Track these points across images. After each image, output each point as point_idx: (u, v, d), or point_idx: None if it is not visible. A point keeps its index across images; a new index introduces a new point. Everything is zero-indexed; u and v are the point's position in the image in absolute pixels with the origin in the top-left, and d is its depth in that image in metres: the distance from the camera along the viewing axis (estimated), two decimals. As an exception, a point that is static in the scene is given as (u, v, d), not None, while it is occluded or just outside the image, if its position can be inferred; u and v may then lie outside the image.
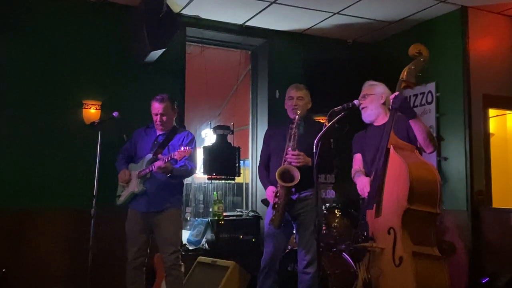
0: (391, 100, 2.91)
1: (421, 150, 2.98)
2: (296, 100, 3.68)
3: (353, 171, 3.31)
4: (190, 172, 3.74)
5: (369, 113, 3.22)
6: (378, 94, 3.26)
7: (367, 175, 3.14)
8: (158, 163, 3.47)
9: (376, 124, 3.27)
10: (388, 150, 2.84)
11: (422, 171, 2.73)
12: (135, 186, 3.68)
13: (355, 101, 3.26)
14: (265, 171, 3.81)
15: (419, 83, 2.98)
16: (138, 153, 3.82)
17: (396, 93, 2.88)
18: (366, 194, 2.96)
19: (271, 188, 3.59)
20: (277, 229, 3.54)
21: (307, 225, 3.53)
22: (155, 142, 3.78)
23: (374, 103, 3.22)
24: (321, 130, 3.46)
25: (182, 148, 3.39)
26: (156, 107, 3.76)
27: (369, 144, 3.22)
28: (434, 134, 4.99)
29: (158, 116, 3.75)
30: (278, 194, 3.50)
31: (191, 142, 3.75)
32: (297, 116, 3.59)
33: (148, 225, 3.70)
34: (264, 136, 3.96)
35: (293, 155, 3.48)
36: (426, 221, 2.74)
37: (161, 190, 3.67)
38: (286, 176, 3.46)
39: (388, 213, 2.78)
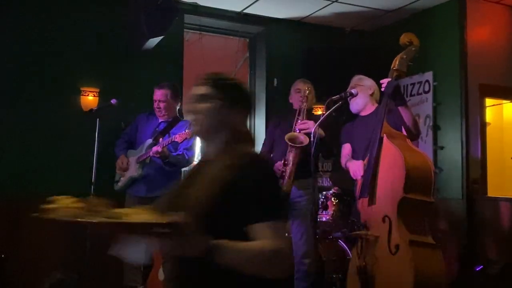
0: (383, 85, 2.92)
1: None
2: (304, 92, 3.69)
3: (343, 159, 3.37)
4: (188, 161, 3.74)
5: (357, 102, 3.29)
6: (366, 86, 3.33)
7: None
8: (155, 148, 3.50)
9: (363, 114, 3.33)
10: (381, 139, 2.84)
11: (416, 160, 2.75)
12: (134, 171, 3.70)
13: (353, 90, 3.29)
14: (268, 155, 3.84)
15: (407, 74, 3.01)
16: (139, 138, 3.83)
17: (388, 79, 2.90)
18: (359, 176, 2.98)
19: (279, 163, 3.59)
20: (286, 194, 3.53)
21: (305, 214, 3.54)
22: (156, 129, 3.79)
23: (362, 93, 3.29)
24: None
25: (184, 131, 3.40)
26: (156, 93, 3.82)
27: (357, 134, 3.27)
28: (431, 123, 5.01)
29: (157, 102, 3.79)
30: (286, 162, 3.51)
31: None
32: (305, 99, 3.66)
33: None
34: (269, 126, 4.00)
35: (301, 123, 3.54)
36: (421, 210, 2.76)
37: (160, 175, 3.68)
38: (294, 142, 3.52)
39: (383, 202, 2.80)
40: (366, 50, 5.68)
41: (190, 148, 3.72)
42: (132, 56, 4.80)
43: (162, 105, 3.77)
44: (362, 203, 2.95)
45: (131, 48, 4.75)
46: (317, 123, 3.08)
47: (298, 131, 3.56)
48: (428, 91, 5.10)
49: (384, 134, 2.85)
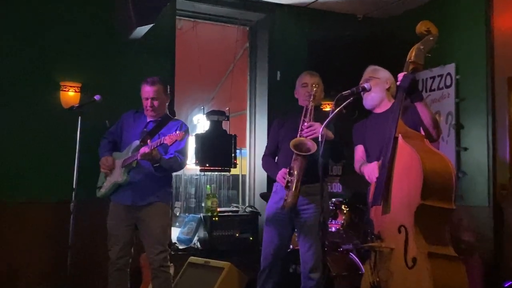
0: (399, 79, 2.93)
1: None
2: (311, 87, 3.70)
3: (356, 163, 3.34)
4: (180, 165, 3.73)
5: (372, 97, 3.26)
6: (382, 79, 3.31)
7: None
8: (143, 149, 3.45)
9: (377, 111, 3.31)
10: (396, 139, 2.85)
11: (435, 162, 2.75)
12: (118, 176, 3.69)
13: (366, 84, 3.29)
14: (273, 160, 3.86)
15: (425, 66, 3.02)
16: (124, 140, 3.82)
17: (404, 72, 2.91)
18: (375, 179, 2.98)
19: (283, 170, 3.59)
20: (289, 211, 3.55)
21: (313, 223, 3.56)
22: (144, 129, 3.77)
23: (378, 87, 3.27)
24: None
25: (174, 132, 3.38)
26: (147, 90, 3.75)
27: (371, 134, 3.25)
28: (453, 122, 5.02)
29: (149, 100, 3.75)
30: (292, 171, 3.50)
31: (185, 133, 3.76)
32: (311, 98, 3.63)
33: (132, 221, 3.72)
34: (273, 126, 3.99)
35: (307, 128, 3.53)
36: (441, 218, 2.76)
37: (148, 181, 3.68)
38: (301, 148, 3.50)
39: (398, 210, 2.80)
40: (380, 39, 5.69)
41: (183, 151, 3.71)
42: (118, 47, 4.82)
43: (156, 103, 3.74)
44: (375, 212, 2.96)
45: (117, 37, 4.77)
46: (323, 124, 3.07)
47: (305, 135, 3.55)
48: (450, 86, 5.11)
49: (399, 134, 2.86)
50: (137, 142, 3.68)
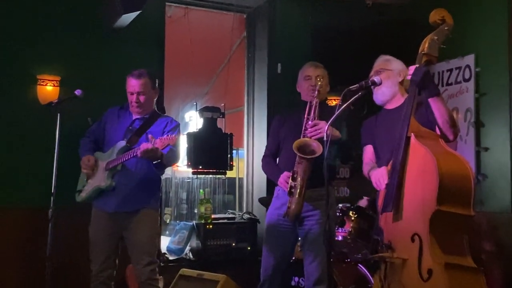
0: (410, 72, 2.93)
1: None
2: (315, 80, 3.70)
3: (365, 166, 3.33)
4: (177, 157, 3.78)
5: (383, 91, 3.25)
6: (395, 71, 3.30)
7: None
8: (145, 145, 3.40)
9: (389, 107, 3.31)
10: (408, 139, 2.85)
11: (452, 164, 2.75)
12: (101, 180, 3.69)
13: (376, 77, 3.29)
14: (274, 161, 3.86)
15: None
16: (108, 139, 3.82)
17: (416, 65, 2.91)
18: (384, 186, 2.98)
19: (286, 174, 3.59)
20: (293, 220, 3.55)
21: (318, 232, 3.56)
22: (130, 128, 3.77)
23: (390, 80, 3.26)
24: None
25: (165, 135, 3.37)
26: (133, 84, 3.75)
27: (381, 133, 3.25)
28: (473, 119, 5.02)
29: (134, 95, 3.75)
30: (295, 175, 3.50)
31: (174, 129, 3.76)
32: (316, 93, 3.62)
33: (117, 229, 3.72)
34: (273, 124, 3.99)
35: (311, 127, 3.52)
36: (458, 226, 2.76)
37: (135, 186, 3.68)
38: (305, 150, 3.49)
39: (411, 217, 2.81)
40: (391, 28, 5.70)
41: (177, 146, 3.69)
42: (101, 37, 4.82)
43: (142, 98, 3.74)
44: (385, 219, 2.96)
45: (100, 26, 4.77)
46: (329, 122, 3.06)
47: (309, 135, 3.54)
48: (469, 79, 5.11)
49: (412, 133, 2.86)
50: (122, 143, 3.67)
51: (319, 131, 3.47)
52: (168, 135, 3.37)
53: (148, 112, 3.82)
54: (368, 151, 3.37)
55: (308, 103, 3.64)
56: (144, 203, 3.71)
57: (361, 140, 3.48)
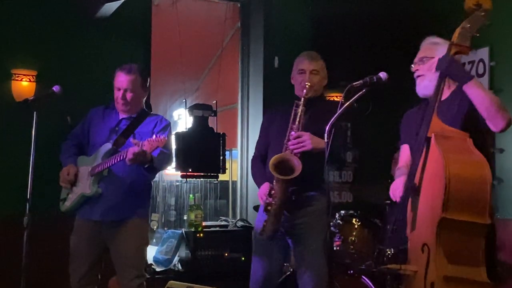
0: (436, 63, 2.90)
1: (485, 136, 2.94)
2: (310, 74, 3.68)
3: (396, 171, 3.25)
4: (170, 160, 3.76)
5: (426, 85, 3.09)
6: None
7: None
8: (132, 149, 3.37)
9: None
10: (429, 139, 2.84)
11: (466, 167, 2.72)
12: (86, 187, 3.66)
13: (382, 74, 3.28)
14: (261, 164, 3.83)
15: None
16: (92, 142, 3.79)
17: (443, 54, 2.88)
18: (398, 198, 2.99)
19: (266, 186, 3.59)
20: (269, 240, 3.56)
21: (311, 239, 3.56)
22: (116, 129, 3.75)
23: (433, 71, 3.04)
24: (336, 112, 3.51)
25: (154, 136, 3.33)
26: (121, 79, 3.71)
27: (416, 130, 3.17)
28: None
29: (121, 91, 3.71)
30: (272, 192, 3.50)
31: (165, 129, 3.74)
32: (305, 91, 3.58)
33: (102, 240, 3.70)
34: (263, 121, 3.98)
35: (294, 139, 3.48)
36: (471, 235, 2.74)
37: (122, 193, 3.65)
38: (284, 167, 3.45)
39: (422, 225, 2.81)
40: (399, 18, 5.71)
41: (167, 145, 3.62)
42: (81, 28, 4.82)
43: (129, 95, 3.71)
44: (408, 227, 2.96)
45: (80, 16, 4.76)
46: (330, 122, 3.05)
47: (291, 147, 3.50)
48: (483, 74, 5.13)
49: (433, 134, 2.84)
50: (108, 145, 3.65)
51: (302, 144, 3.46)
52: (157, 136, 3.34)
53: (135, 111, 3.80)
54: (404, 152, 3.26)
55: (293, 110, 3.59)
56: (132, 212, 3.69)
57: (399, 136, 3.36)
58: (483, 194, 2.71)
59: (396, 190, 3.02)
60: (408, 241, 2.95)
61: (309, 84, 3.61)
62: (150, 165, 3.53)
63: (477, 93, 2.80)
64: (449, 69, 2.83)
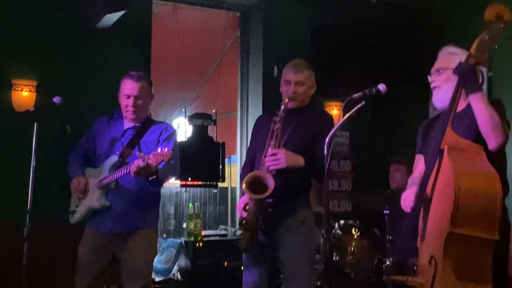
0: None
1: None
2: (295, 86, 3.66)
3: (409, 181, 3.24)
4: (175, 170, 3.73)
5: (441, 97, 3.07)
6: None
7: None
8: (137, 162, 3.35)
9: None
10: (442, 151, 2.83)
11: (476, 181, 2.69)
12: (95, 200, 3.64)
13: (380, 86, 3.29)
14: (249, 171, 3.76)
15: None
16: (98, 153, 3.77)
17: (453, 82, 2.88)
18: (409, 208, 2.99)
19: (243, 199, 3.58)
20: (246, 252, 3.58)
21: (294, 250, 3.53)
22: (122, 139, 3.73)
23: (450, 83, 3.00)
24: (322, 122, 3.56)
25: (159, 150, 3.30)
26: (130, 86, 3.68)
27: (430, 141, 3.10)
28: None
29: (131, 99, 3.68)
30: (247, 208, 3.50)
31: (170, 138, 3.73)
32: (282, 107, 3.58)
33: (111, 251, 3.68)
34: (253, 128, 3.97)
35: (271, 155, 3.49)
36: (480, 250, 2.72)
37: (131, 205, 3.64)
38: (259, 184, 3.44)
39: (431, 238, 2.80)
40: (398, 26, 5.73)
41: (174, 155, 3.59)
42: (82, 38, 4.82)
43: (140, 102, 3.69)
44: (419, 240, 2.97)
45: (81, 27, 4.77)
46: (328, 135, 3.08)
47: (267, 164, 3.49)
48: (481, 84, 5.11)
49: (446, 146, 2.84)
50: (115, 158, 3.63)
51: (276, 162, 3.45)
52: (162, 149, 3.31)
53: (141, 119, 3.78)
54: (418, 162, 3.24)
55: (271, 128, 3.57)
56: (141, 223, 3.68)
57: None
58: (493, 209, 2.67)
59: (407, 200, 3.01)
60: (418, 252, 2.96)
61: (288, 99, 3.60)
62: (154, 178, 3.50)
63: (479, 107, 2.80)
64: (463, 74, 2.81)
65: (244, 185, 3.45)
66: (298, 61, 3.79)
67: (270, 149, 3.50)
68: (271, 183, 3.39)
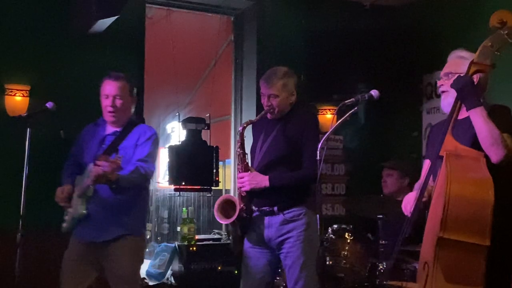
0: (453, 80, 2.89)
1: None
2: (268, 99, 3.65)
3: (416, 185, 3.23)
4: (144, 177, 3.62)
5: (449, 102, 3.01)
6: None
7: None
8: (95, 170, 3.35)
9: (459, 116, 3.04)
10: (442, 158, 2.84)
11: (468, 188, 2.70)
12: (75, 209, 3.63)
13: (373, 92, 3.30)
14: None
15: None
16: (85, 161, 3.70)
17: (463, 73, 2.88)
18: (409, 212, 3.01)
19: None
20: (239, 255, 3.74)
21: (297, 253, 3.56)
22: (103, 146, 3.69)
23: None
24: (305, 126, 3.60)
25: (113, 158, 3.32)
26: (109, 87, 3.65)
27: (435, 147, 3.15)
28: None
29: (110, 99, 3.63)
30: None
31: (148, 140, 3.67)
32: (242, 128, 3.73)
33: (94, 260, 3.64)
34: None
35: (239, 179, 3.67)
36: (470, 256, 2.74)
37: (111, 212, 3.60)
38: (229, 207, 3.65)
39: (426, 243, 2.83)
40: (391, 32, 5.74)
41: (147, 158, 3.59)
42: (75, 43, 4.82)
43: (119, 102, 3.62)
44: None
45: (74, 32, 4.77)
46: (319, 143, 3.09)
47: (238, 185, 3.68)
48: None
49: (445, 152, 2.85)
50: (91, 166, 3.54)
51: (242, 185, 3.62)
52: (114, 158, 3.31)
53: (123, 124, 3.72)
54: (424, 168, 3.22)
55: (237, 154, 3.73)
56: (124, 230, 3.62)
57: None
58: (483, 215, 2.67)
59: (408, 204, 3.03)
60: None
61: (271, 109, 3.64)
62: (116, 185, 3.47)
63: (478, 122, 2.79)
64: (462, 89, 2.80)
65: (217, 208, 3.67)
66: (272, 71, 3.76)
67: (238, 171, 3.69)
68: (237, 207, 3.60)
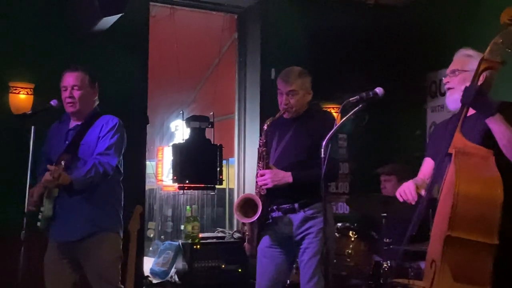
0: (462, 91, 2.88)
1: None
2: (286, 97, 3.67)
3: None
4: (104, 173, 3.49)
5: (456, 99, 3.00)
6: (473, 72, 2.96)
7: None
8: (46, 176, 3.34)
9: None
10: (450, 156, 2.83)
11: (476, 186, 2.69)
12: (44, 209, 3.56)
13: (378, 89, 3.29)
14: None
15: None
16: (53, 159, 3.61)
17: (468, 84, 2.87)
18: (399, 196, 2.99)
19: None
20: (253, 258, 3.73)
21: (315, 250, 3.59)
22: (66, 141, 3.63)
23: (464, 85, 2.95)
24: (324, 123, 3.54)
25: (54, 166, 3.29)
26: (66, 78, 3.62)
27: (441, 144, 3.14)
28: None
29: (68, 90, 3.57)
30: (244, 225, 3.71)
31: (110, 131, 3.58)
32: (266, 126, 3.67)
33: (71, 260, 3.61)
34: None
35: (260, 177, 3.62)
36: (478, 254, 2.72)
37: (77, 211, 3.52)
38: (251, 205, 3.60)
39: (434, 241, 2.82)
40: (396, 30, 5.73)
41: (108, 151, 3.51)
42: (79, 41, 4.82)
43: (77, 93, 3.56)
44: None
45: (78, 30, 4.76)
46: (325, 140, 3.08)
47: (259, 183, 3.64)
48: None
49: (454, 150, 2.83)
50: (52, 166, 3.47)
51: (264, 182, 3.58)
52: (57, 165, 3.30)
53: (83, 117, 3.66)
54: (425, 165, 3.24)
55: (258, 150, 3.70)
56: (96, 227, 3.55)
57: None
58: (492, 213, 2.66)
59: (406, 190, 2.99)
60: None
61: (288, 107, 3.65)
62: (70, 189, 3.42)
63: (498, 128, 2.77)
64: (474, 102, 2.76)
65: (237, 208, 3.63)
66: (289, 69, 3.79)
67: (259, 169, 3.64)
68: (259, 203, 3.56)
